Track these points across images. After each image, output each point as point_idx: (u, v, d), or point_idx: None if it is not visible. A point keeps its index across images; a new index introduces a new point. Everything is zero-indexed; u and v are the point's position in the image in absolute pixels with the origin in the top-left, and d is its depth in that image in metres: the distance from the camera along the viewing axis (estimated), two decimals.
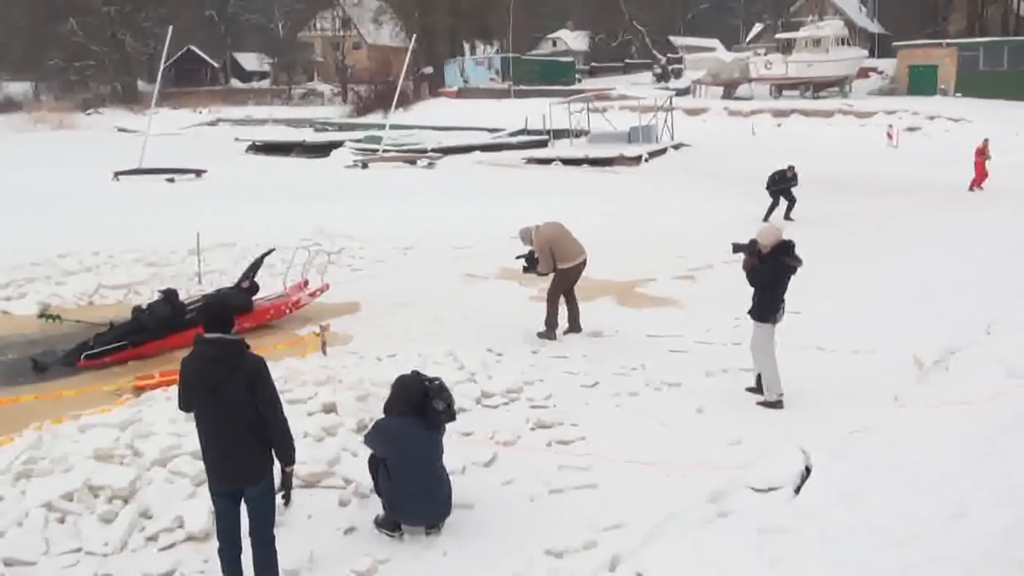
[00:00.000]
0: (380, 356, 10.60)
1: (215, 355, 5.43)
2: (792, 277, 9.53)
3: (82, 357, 11.29)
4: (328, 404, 8.60)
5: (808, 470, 6.90)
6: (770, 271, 9.37)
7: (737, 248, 9.75)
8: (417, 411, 6.60)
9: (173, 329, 11.71)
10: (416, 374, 6.92)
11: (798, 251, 9.48)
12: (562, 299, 12.01)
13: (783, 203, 21.95)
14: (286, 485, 5.66)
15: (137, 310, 12.09)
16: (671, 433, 8.56)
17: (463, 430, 8.27)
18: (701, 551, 5.72)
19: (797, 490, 6.67)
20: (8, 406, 9.36)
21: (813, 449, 7.24)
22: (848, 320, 12.42)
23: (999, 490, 6.07)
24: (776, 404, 9.33)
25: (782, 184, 21.97)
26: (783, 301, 9.49)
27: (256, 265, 13.53)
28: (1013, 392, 8.41)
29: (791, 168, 22.22)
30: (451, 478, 6.85)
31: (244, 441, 5.45)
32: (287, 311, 13.26)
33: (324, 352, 10.62)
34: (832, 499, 6.36)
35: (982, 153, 26.95)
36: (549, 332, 11.83)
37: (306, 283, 13.89)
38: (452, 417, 6.81)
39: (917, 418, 8.05)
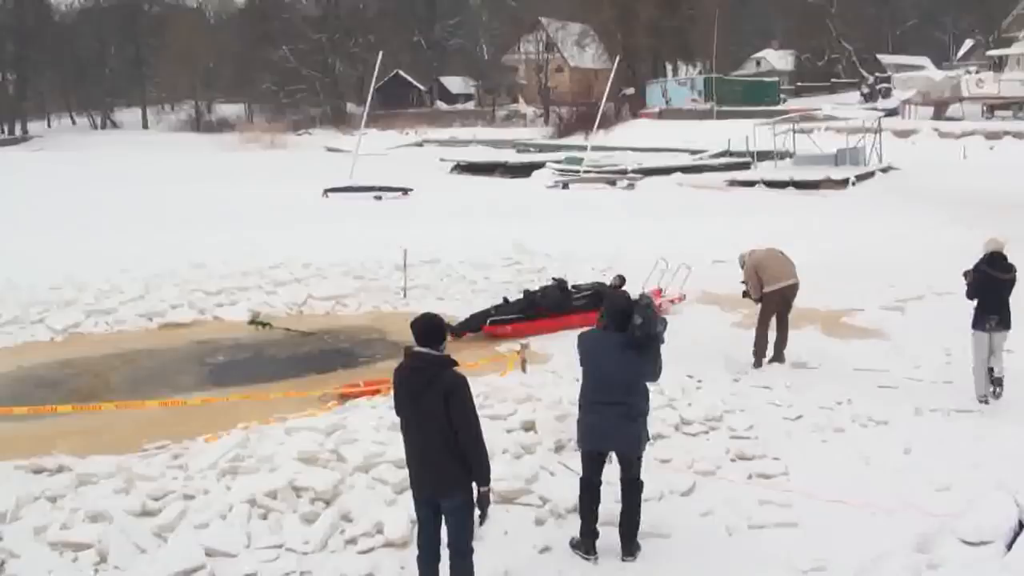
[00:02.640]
0: (579, 376, 10.60)
1: (419, 367, 5.58)
2: (1006, 291, 10.11)
3: (487, 322, 13.42)
4: (527, 422, 8.66)
5: (1022, 524, 6.48)
6: (976, 279, 10.17)
7: (966, 273, 10.43)
8: (620, 327, 6.50)
9: (563, 311, 13.56)
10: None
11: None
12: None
13: None
14: (481, 505, 5.68)
15: (529, 291, 14.16)
16: (877, 473, 8.17)
17: (661, 457, 8.17)
18: None
19: (1009, 546, 6.27)
20: (218, 405, 9.91)
21: None
22: None
23: None
24: (981, 401, 10.15)
25: None
26: (996, 314, 10.07)
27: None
28: None
29: None
30: (648, 504, 6.76)
31: (440, 454, 5.54)
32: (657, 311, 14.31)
33: (524, 370, 10.72)
34: None
35: None
36: (756, 360, 11.65)
37: (661, 291, 14.83)
38: (648, 335, 6.46)
39: None
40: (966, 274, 10.41)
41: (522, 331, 13.13)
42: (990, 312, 10.10)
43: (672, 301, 14.99)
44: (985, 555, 6.23)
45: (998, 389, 10.25)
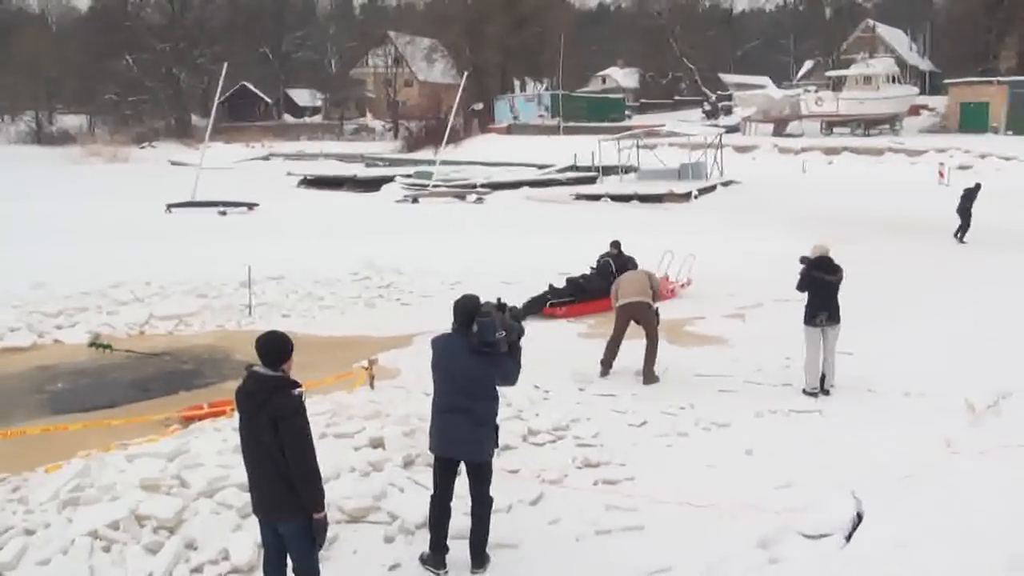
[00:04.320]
0: (427, 391, 10.56)
1: (251, 388, 5.40)
2: (833, 290, 10.94)
3: (548, 305, 15.53)
4: (375, 439, 8.58)
5: (860, 517, 6.78)
6: (806, 280, 11.05)
7: (803, 259, 11.28)
8: (465, 331, 6.48)
9: (605, 294, 14.19)
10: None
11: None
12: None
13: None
14: (315, 531, 5.51)
15: (571, 278, 16.19)
16: (720, 475, 8.43)
17: (509, 468, 8.22)
18: None
19: (848, 538, 6.56)
20: (57, 434, 9.46)
21: (865, 495, 7.12)
22: (898, 362, 12.18)
23: None
24: (809, 394, 10.87)
25: (970, 201, 24.08)
26: (825, 311, 10.90)
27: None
28: None
29: (978, 185, 24.65)
30: (497, 515, 6.79)
31: (272, 478, 5.38)
32: (668, 295, 16.19)
33: (372, 386, 10.63)
34: (885, 548, 6.23)
35: None
36: (602, 369, 11.88)
37: (668, 278, 16.86)
38: (484, 343, 6.39)
39: (969, 464, 7.89)
40: (803, 259, 11.23)
41: (575, 312, 15.63)
42: (820, 309, 10.91)
43: (682, 286, 17.54)
44: (825, 548, 6.50)
45: (826, 385, 10.98)
